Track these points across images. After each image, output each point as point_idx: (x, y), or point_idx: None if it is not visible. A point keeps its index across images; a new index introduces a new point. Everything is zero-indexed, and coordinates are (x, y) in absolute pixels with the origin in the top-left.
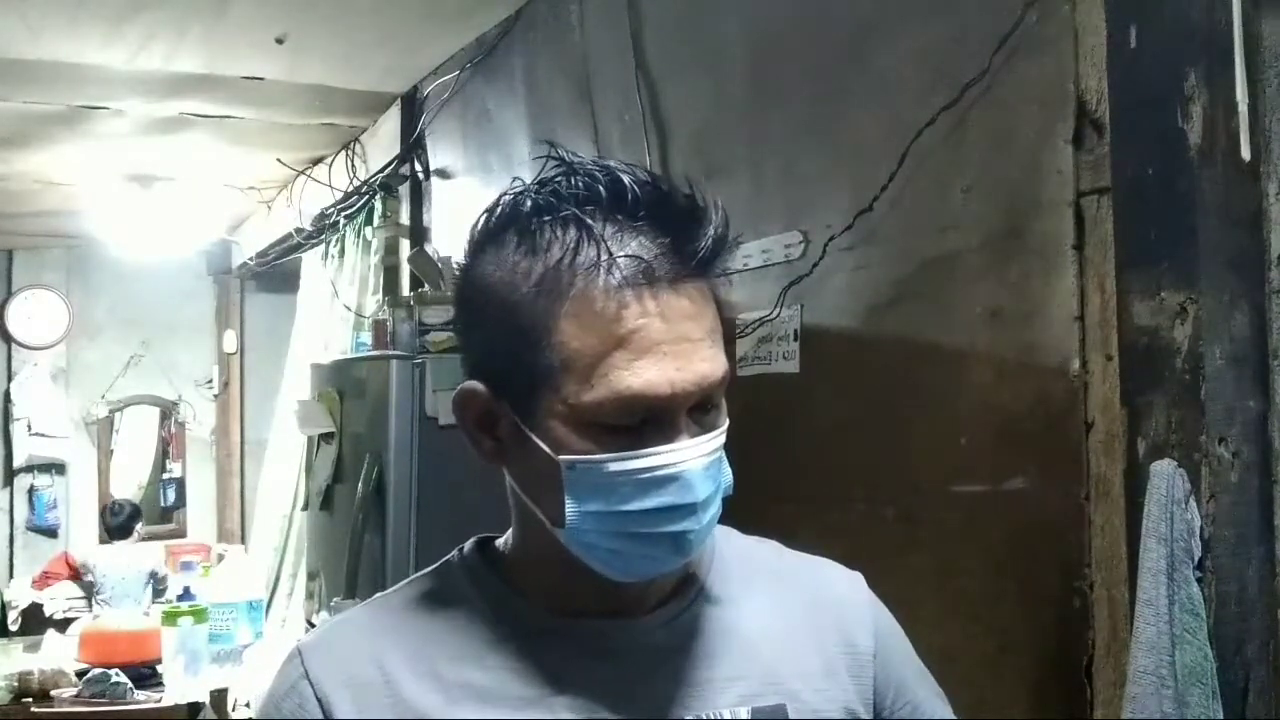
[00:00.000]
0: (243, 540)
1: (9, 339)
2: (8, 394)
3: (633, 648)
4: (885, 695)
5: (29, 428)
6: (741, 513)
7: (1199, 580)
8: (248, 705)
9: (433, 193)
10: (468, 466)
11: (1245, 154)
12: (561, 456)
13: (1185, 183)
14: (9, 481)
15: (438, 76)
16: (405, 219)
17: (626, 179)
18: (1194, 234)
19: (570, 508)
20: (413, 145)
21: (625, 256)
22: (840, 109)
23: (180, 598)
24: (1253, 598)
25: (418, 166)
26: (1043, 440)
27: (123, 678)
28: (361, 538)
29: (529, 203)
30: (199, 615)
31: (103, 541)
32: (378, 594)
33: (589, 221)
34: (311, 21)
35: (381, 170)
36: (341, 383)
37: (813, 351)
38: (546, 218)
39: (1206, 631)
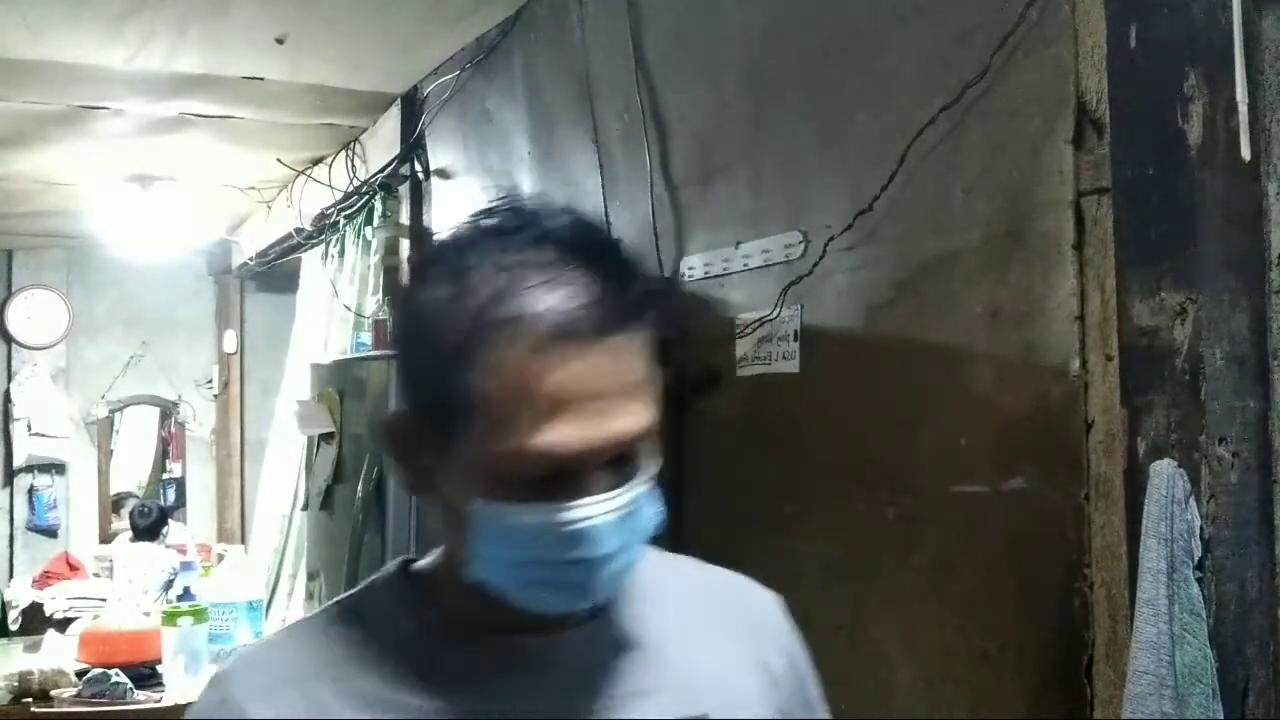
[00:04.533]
0: (243, 540)
1: (9, 339)
2: (8, 394)
3: (553, 662)
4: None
5: (29, 428)
6: (742, 513)
7: (1199, 580)
8: None
9: (433, 193)
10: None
11: (1245, 154)
12: (470, 503)
13: (1185, 183)
14: (9, 481)
15: (438, 76)
16: (405, 219)
17: (563, 226)
18: (1194, 234)
19: (478, 548)
20: (413, 145)
21: (549, 311)
22: (840, 109)
23: (180, 598)
24: (1253, 598)
25: (418, 166)
26: (1043, 440)
27: (123, 678)
28: (361, 538)
29: (466, 241)
30: (199, 615)
31: (103, 539)
32: (299, 618)
33: (517, 270)
34: (311, 21)
35: (381, 170)
36: (341, 383)
37: (813, 351)
38: (478, 260)
39: (1206, 631)
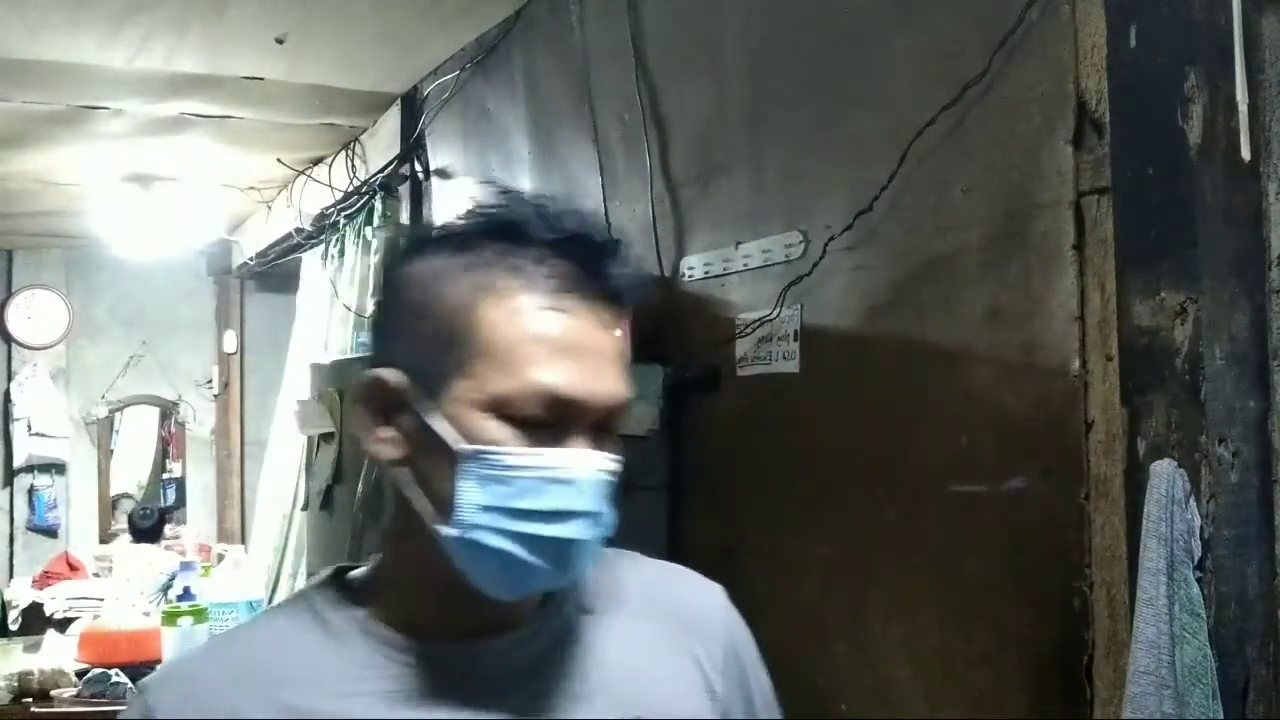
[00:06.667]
0: (243, 540)
1: (9, 339)
2: (8, 394)
3: (491, 668)
4: (732, 711)
5: (29, 428)
6: (742, 513)
7: (1199, 580)
8: None
9: (433, 193)
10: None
11: (1245, 154)
12: (461, 445)
13: (1185, 183)
14: (9, 481)
15: (438, 76)
16: (405, 219)
17: (552, 209)
18: (1194, 234)
19: (463, 498)
20: (413, 145)
21: (555, 272)
22: (840, 109)
23: (180, 598)
24: (1253, 598)
25: (418, 166)
26: (1043, 440)
27: (123, 678)
28: (361, 538)
29: (467, 219)
30: (199, 615)
31: (103, 539)
32: (226, 630)
33: (522, 240)
34: (311, 21)
35: (381, 170)
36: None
37: (813, 351)
38: (481, 232)
39: (1206, 631)
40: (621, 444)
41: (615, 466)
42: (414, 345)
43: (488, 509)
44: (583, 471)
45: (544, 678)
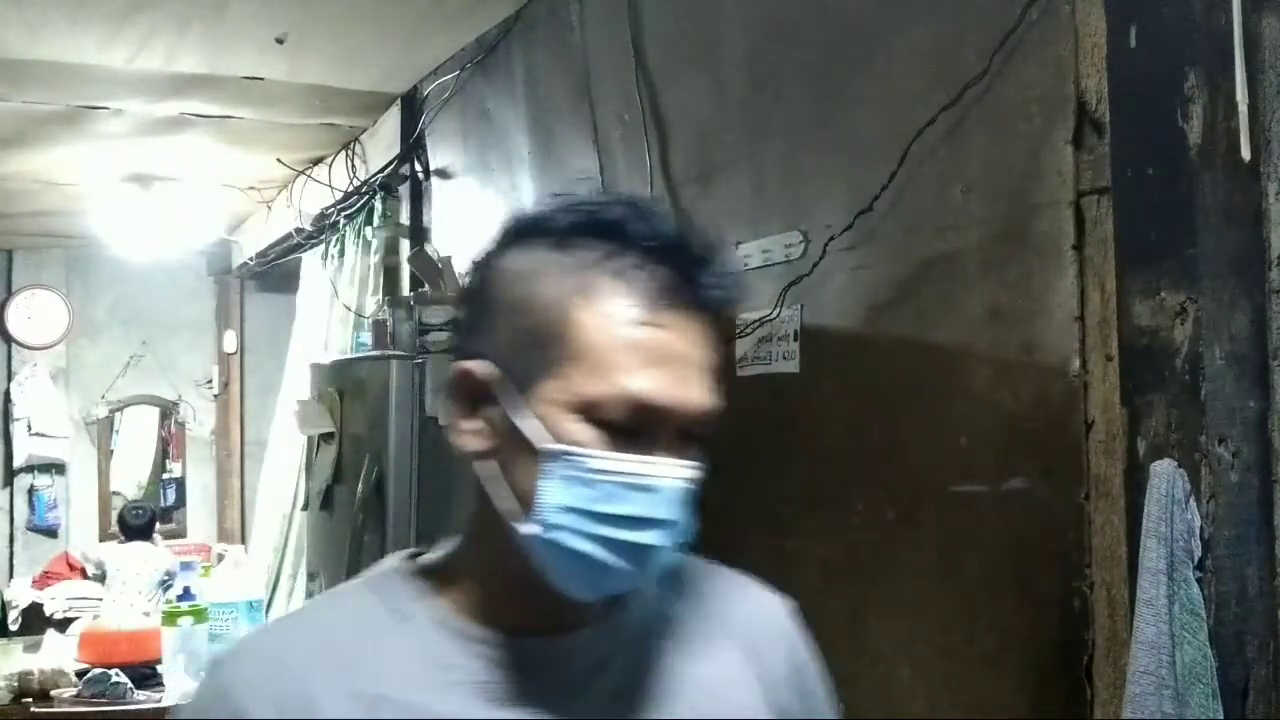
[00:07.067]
0: (243, 540)
1: (9, 339)
2: (8, 394)
3: (571, 664)
4: None
5: (29, 428)
6: (742, 513)
7: (1199, 580)
8: None
9: (433, 193)
10: (468, 466)
11: (1245, 154)
12: (546, 445)
13: (1185, 183)
14: (9, 481)
15: (438, 76)
16: (405, 219)
17: (654, 212)
18: (1194, 234)
19: (545, 498)
20: (413, 145)
21: (656, 275)
22: (840, 109)
23: (180, 598)
24: (1253, 598)
25: (418, 166)
26: (1043, 440)
27: (123, 678)
28: (361, 538)
29: (563, 215)
30: (199, 615)
31: (103, 538)
32: (301, 606)
33: (622, 234)
34: (311, 21)
35: (381, 170)
36: (341, 383)
37: (813, 351)
38: (580, 229)
39: (1206, 631)
40: (705, 451)
41: (698, 474)
42: (505, 339)
43: (569, 510)
44: (666, 479)
45: (620, 676)
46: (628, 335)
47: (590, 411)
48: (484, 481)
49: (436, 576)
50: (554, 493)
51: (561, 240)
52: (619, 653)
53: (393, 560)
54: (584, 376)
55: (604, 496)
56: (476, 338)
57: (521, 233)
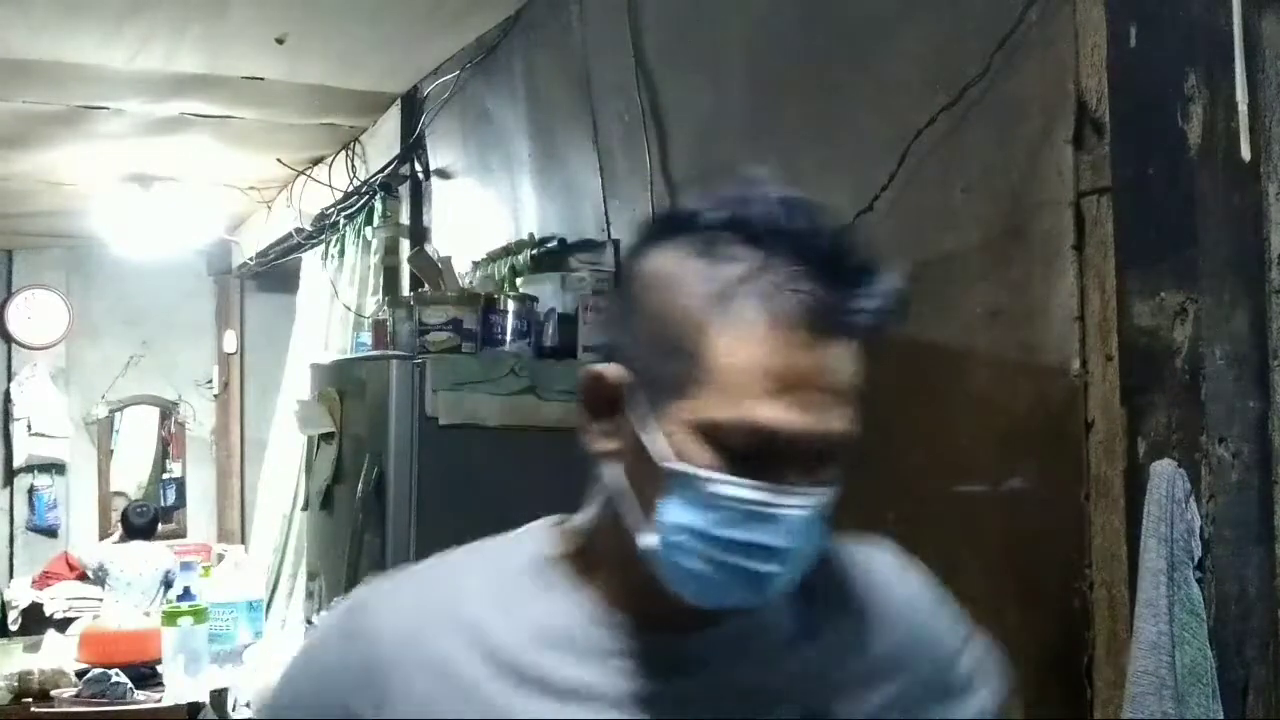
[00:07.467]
0: (243, 540)
1: (9, 339)
2: (8, 394)
3: (700, 659)
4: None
5: (29, 428)
6: None
7: (1199, 580)
8: (248, 705)
9: (433, 193)
10: (468, 466)
11: (1245, 154)
12: (669, 464)
13: (1185, 183)
14: (9, 481)
15: (438, 76)
16: (405, 219)
17: (813, 222)
18: (1194, 234)
19: (664, 515)
20: (413, 145)
21: (798, 292)
22: (840, 109)
23: (180, 598)
24: (1253, 598)
25: (418, 166)
26: (1043, 440)
27: (123, 678)
28: (361, 538)
29: (714, 214)
30: (199, 615)
31: (102, 538)
32: (441, 556)
33: (771, 249)
34: (311, 21)
35: (381, 170)
36: (341, 383)
37: None
38: (730, 232)
39: (1206, 631)
40: (838, 472)
41: (827, 499)
42: (640, 344)
43: (687, 530)
44: (789, 509)
45: (748, 675)
46: (762, 361)
47: (716, 434)
48: (609, 483)
49: (578, 549)
50: (673, 511)
51: (708, 244)
52: (747, 651)
53: (540, 526)
54: (713, 399)
55: (723, 521)
56: (616, 335)
57: (670, 229)
